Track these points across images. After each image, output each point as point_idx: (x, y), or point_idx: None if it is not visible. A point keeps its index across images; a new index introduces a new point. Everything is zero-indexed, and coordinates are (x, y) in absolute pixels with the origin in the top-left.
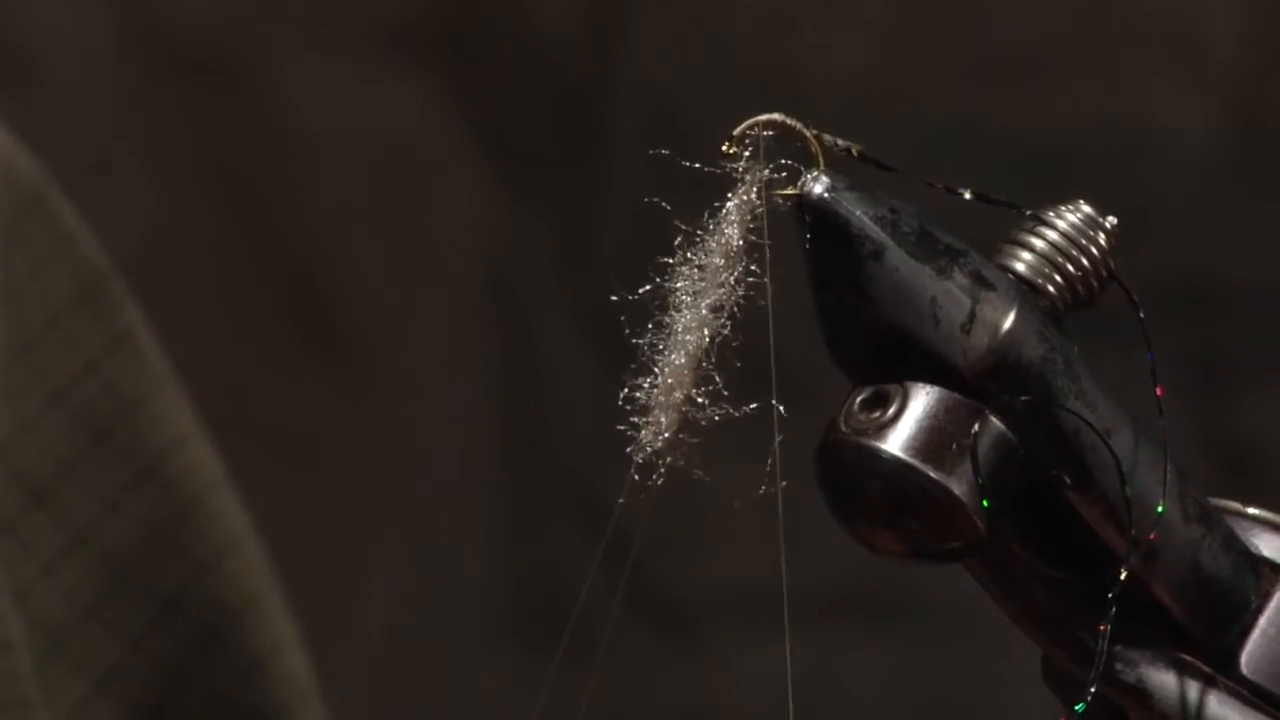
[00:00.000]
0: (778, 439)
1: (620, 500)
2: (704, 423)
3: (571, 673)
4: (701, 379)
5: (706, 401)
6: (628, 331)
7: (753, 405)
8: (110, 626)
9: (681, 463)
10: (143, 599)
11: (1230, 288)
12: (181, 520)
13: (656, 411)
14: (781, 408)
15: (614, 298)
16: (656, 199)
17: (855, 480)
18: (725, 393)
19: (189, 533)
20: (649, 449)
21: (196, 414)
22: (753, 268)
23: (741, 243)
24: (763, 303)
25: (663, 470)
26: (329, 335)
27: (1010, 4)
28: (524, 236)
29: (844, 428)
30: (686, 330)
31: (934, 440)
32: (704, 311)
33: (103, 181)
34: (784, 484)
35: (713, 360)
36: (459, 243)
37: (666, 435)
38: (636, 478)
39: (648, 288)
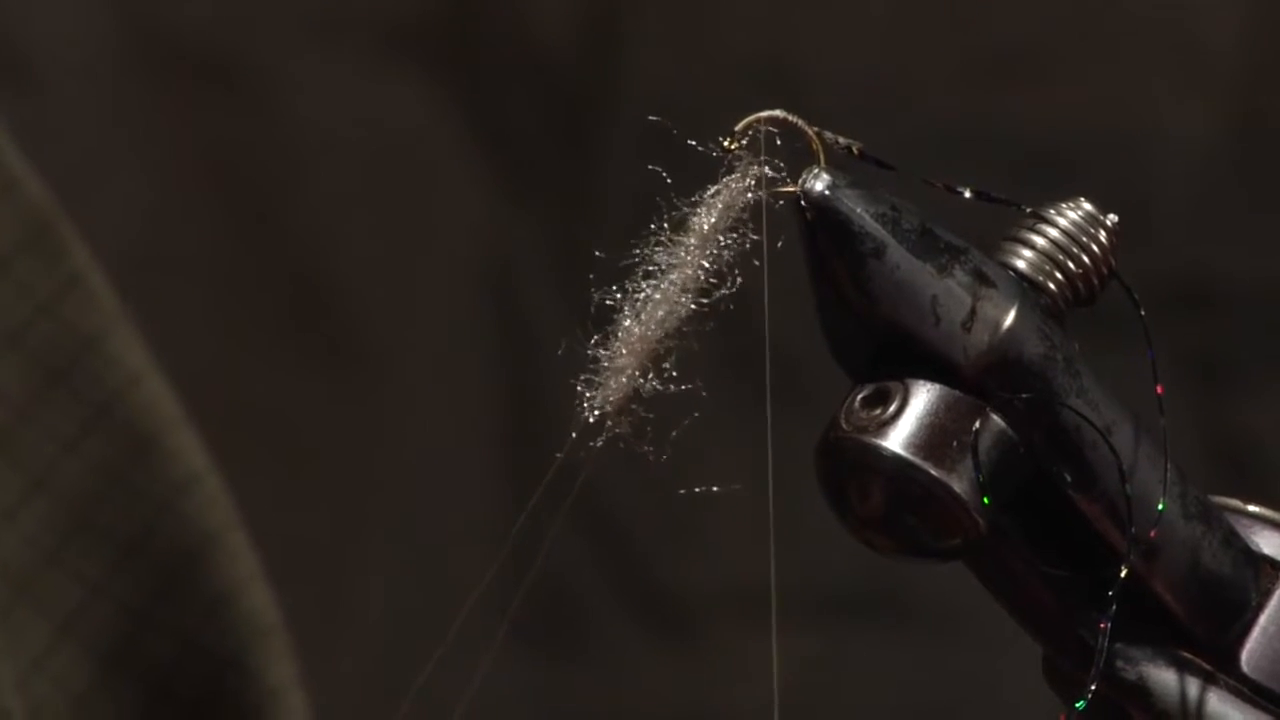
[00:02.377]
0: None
1: (558, 455)
2: (645, 395)
3: (568, 670)
4: (658, 353)
5: (660, 376)
6: (593, 290)
7: (685, 386)
8: (72, 570)
9: (624, 430)
10: (104, 541)
11: (1230, 286)
12: (139, 459)
13: (608, 375)
14: (770, 403)
15: (597, 254)
16: (657, 167)
17: (856, 478)
18: (675, 373)
19: (148, 471)
20: (596, 410)
21: (189, 406)
22: (735, 256)
23: (711, 227)
24: (727, 290)
25: (605, 435)
26: (327, 335)
27: (1010, 3)
28: (523, 236)
29: (845, 425)
30: (650, 302)
31: (935, 438)
32: (670, 288)
33: (102, 181)
34: (785, 481)
35: (673, 338)
36: (458, 242)
37: (612, 400)
38: (574, 435)
39: (633, 251)
